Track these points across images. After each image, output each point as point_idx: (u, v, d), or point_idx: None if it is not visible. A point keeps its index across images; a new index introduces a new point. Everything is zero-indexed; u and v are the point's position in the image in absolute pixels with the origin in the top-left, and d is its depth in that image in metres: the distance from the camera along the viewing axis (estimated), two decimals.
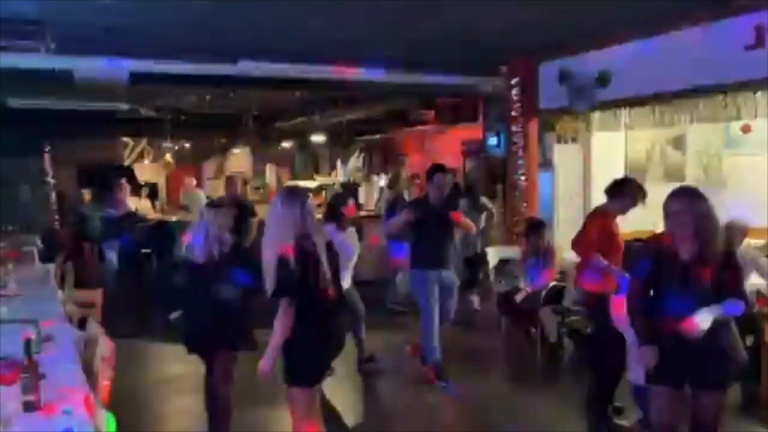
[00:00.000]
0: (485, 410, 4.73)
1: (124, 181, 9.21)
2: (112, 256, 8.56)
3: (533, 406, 4.76)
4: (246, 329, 3.88)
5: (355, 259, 5.23)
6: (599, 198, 7.46)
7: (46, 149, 11.25)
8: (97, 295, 5.63)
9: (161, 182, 16.16)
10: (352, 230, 5.27)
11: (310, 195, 3.40)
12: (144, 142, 14.93)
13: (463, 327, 7.25)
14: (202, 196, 10.51)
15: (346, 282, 4.85)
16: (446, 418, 4.86)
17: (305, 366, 3.06)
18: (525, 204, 7.49)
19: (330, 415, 4.47)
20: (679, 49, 5.70)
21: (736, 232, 5.20)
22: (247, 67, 6.87)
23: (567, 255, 6.22)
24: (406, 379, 5.35)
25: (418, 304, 5.24)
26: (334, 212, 5.17)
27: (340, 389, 4.95)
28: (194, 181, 11.17)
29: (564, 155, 7.67)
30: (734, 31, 5.23)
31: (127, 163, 14.85)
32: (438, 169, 5.37)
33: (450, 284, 5.28)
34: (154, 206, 11.87)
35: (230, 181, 8.32)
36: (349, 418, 4.65)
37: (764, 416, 4.48)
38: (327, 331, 3.10)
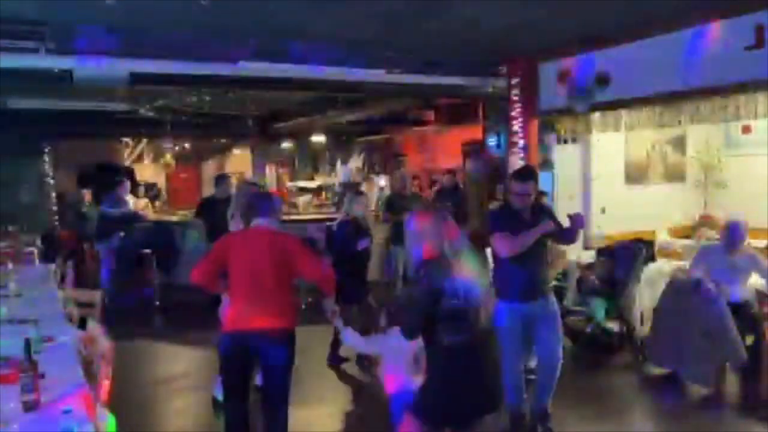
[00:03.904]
0: None
1: (126, 180, 9.23)
2: (109, 255, 8.57)
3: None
4: None
5: None
6: (599, 198, 7.54)
7: (46, 149, 11.26)
8: (97, 295, 5.64)
9: (161, 182, 16.17)
10: None
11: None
12: (144, 142, 14.94)
13: None
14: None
15: None
16: None
17: None
18: None
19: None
20: (679, 49, 5.70)
21: (736, 232, 5.22)
22: (247, 67, 6.87)
23: (569, 255, 6.24)
24: None
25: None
26: None
27: None
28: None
29: (564, 155, 7.67)
30: (734, 31, 5.23)
31: (127, 163, 14.85)
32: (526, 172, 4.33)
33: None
34: (154, 206, 11.88)
35: (220, 179, 8.27)
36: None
37: (764, 416, 4.48)
38: None
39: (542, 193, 5.25)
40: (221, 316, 3.76)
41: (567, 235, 4.19)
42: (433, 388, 2.79)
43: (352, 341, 3.71)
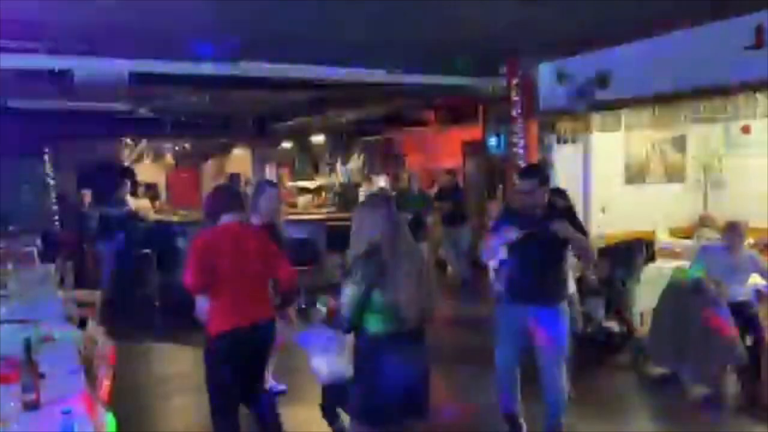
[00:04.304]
0: (485, 411, 4.72)
1: (126, 181, 9.23)
2: (111, 255, 8.57)
3: (531, 406, 4.75)
4: None
5: None
6: (599, 198, 7.53)
7: (46, 150, 11.26)
8: (96, 295, 5.64)
9: (161, 182, 16.17)
10: None
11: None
12: (144, 142, 14.92)
13: (462, 326, 7.28)
14: None
15: None
16: (450, 419, 4.85)
17: None
18: None
19: None
20: (679, 49, 5.70)
21: (736, 232, 5.22)
22: (247, 67, 6.87)
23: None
24: None
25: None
26: None
27: None
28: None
29: (564, 155, 7.68)
30: (734, 31, 5.23)
31: (127, 163, 14.85)
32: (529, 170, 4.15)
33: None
34: (154, 206, 11.89)
35: (233, 177, 8.41)
36: None
37: (764, 416, 4.48)
38: None
39: (558, 191, 5.03)
40: (205, 318, 3.58)
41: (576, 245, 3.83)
42: (361, 381, 2.88)
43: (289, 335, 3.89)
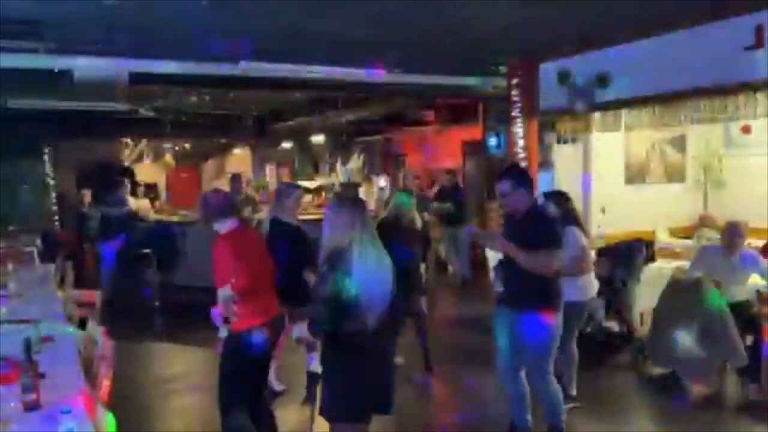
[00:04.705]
0: (486, 409, 4.73)
1: (126, 181, 9.24)
2: (111, 255, 8.57)
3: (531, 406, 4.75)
4: None
5: None
6: (599, 198, 7.54)
7: (46, 149, 11.26)
8: (97, 295, 5.64)
9: (161, 182, 16.18)
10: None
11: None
12: (144, 142, 14.94)
13: (462, 326, 7.27)
14: None
15: None
16: (451, 417, 4.86)
17: None
18: None
19: None
20: (679, 49, 5.70)
21: (736, 232, 5.22)
22: (248, 67, 6.87)
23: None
24: None
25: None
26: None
27: None
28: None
29: (564, 155, 7.67)
30: (734, 31, 5.23)
31: (127, 163, 14.86)
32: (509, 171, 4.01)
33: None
34: (153, 206, 11.90)
35: (235, 178, 8.45)
36: None
37: (764, 416, 4.48)
38: None
39: (558, 195, 4.76)
40: (233, 315, 3.55)
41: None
42: (328, 380, 2.87)
43: None
